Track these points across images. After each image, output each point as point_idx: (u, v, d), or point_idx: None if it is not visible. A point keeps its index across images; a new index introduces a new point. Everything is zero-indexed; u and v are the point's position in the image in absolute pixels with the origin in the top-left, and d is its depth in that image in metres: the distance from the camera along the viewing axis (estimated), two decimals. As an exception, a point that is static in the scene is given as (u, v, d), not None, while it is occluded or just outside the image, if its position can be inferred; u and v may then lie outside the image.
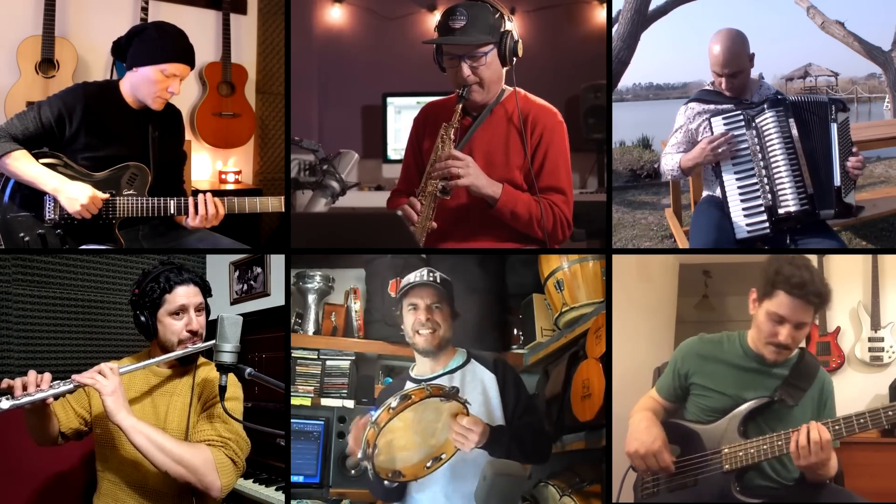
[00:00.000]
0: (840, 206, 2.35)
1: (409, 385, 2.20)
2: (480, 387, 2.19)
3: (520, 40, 2.21)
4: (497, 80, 2.24)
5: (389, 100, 4.27)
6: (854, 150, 2.39)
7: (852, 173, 2.36)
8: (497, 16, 2.18)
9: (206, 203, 2.38)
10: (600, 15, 4.29)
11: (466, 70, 2.18)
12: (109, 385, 1.77)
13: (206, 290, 2.06)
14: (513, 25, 2.21)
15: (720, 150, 2.39)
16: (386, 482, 1.99)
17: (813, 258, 3.00)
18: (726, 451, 1.96)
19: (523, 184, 2.24)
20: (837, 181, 2.34)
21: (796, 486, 1.94)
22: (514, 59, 2.21)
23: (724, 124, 2.42)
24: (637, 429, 2.04)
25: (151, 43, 2.36)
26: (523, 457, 2.04)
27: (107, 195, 2.36)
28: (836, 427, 1.86)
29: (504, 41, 2.18)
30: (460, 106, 2.20)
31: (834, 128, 2.35)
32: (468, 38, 2.15)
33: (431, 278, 2.23)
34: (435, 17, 4.45)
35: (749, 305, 2.02)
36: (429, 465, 1.99)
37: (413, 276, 2.25)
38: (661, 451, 1.98)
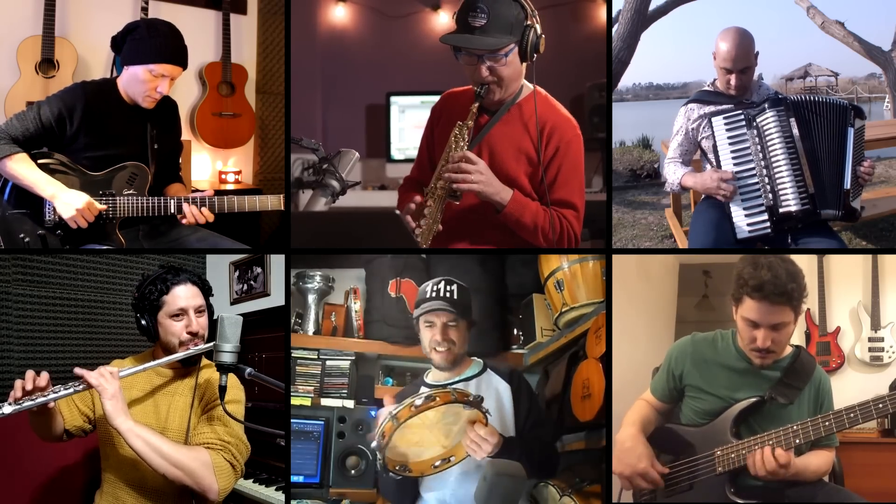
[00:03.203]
0: (847, 208, 2.35)
1: (424, 390, 2.20)
2: (495, 395, 2.19)
3: (543, 35, 2.10)
4: (516, 78, 2.16)
5: (393, 99, 4.27)
6: (865, 158, 2.40)
7: (863, 178, 2.37)
8: (518, 11, 2.06)
9: (192, 213, 2.41)
10: (604, 13, 4.28)
11: (484, 70, 2.08)
12: (109, 389, 1.78)
13: (206, 290, 2.06)
14: (536, 19, 2.09)
15: (723, 191, 2.38)
16: (391, 473, 1.98)
17: (813, 258, 3.03)
18: (718, 453, 1.95)
19: (531, 190, 2.18)
20: (847, 184, 2.35)
21: (790, 485, 1.93)
22: (535, 55, 2.11)
23: (725, 124, 2.42)
24: (621, 450, 2.04)
25: (141, 42, 2.35)
26: (531, 469, 2.04)
27: (104, 206, 2.37)
28: (827, 423, 1.86)
29: (526, 38, 2.07)
30: (476, 105, 2.12)
31: (851, 132, 2.35)
32: (489, 41, 2.04)
33: (448, 294, 2.21)
34: (440, 17, 4.43)
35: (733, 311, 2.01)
36: (436, 464, 1.99)
37: (430, 291, 2.23)
38: (646, 470, 1.98)
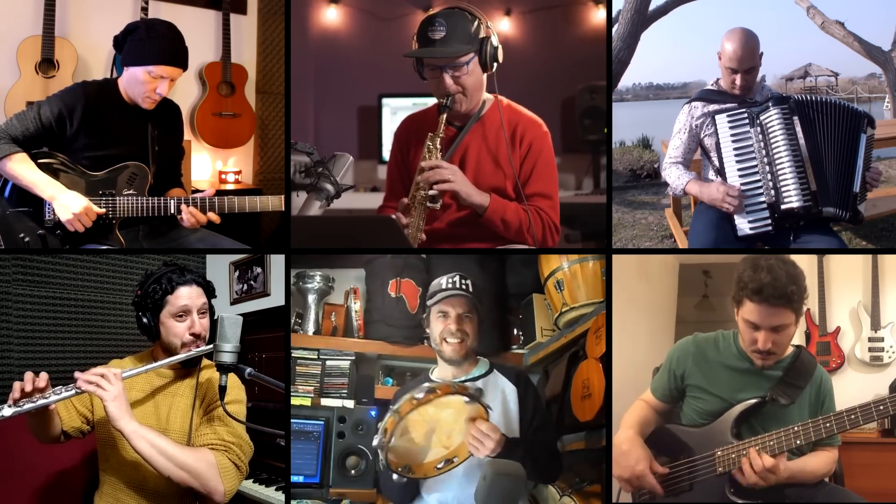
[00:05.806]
0: (853, 211, 2.36)
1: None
2: (501, 396, 2.20)
3: (499, 46, 2.22)
4: (479, 88, 2.25)
5: (385, 101, 4.27)
6: (873, 164, 2.42)
7: (871, 183, 2.39)
8: (475, 23, 2.19)
9: (189, 216, 2.40)
10: (597, 16, 4.29)
11: (449, 80, 2.18)
12: (112, 391, 1.76)
13: (209, 291, 2.06)
14: (492, 31, 2.22)
15: (729, 205, 2.37)
16: (395, 475, 1.97)
17: (813, 258, 3.03)
18: (719, 453, 1.96)
19: (513, 194, 2.26)
20: (857, 188, 2.36)
21: (791, 486, 1.93)
22: (495, 64, 2.22)
23: (729, 122, 2.42)
24: (619, 452, 2.04)
25: (141, 43, 2.35)
26: (533, 473, 2.04)
27: (102, 210, 2.36)
28: (828, 424, 1.87)
29: (484, 48, 2.18)
30: (444, 116, 2.21)
31: (863, 138, 2.38)
32: (449, 50, 2.15)
33: (464, 287, 2.23)
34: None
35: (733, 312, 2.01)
36: (439, 466, 1.98)
37: (445, 283, 2.25)
38: (644, 473, 1.98)
